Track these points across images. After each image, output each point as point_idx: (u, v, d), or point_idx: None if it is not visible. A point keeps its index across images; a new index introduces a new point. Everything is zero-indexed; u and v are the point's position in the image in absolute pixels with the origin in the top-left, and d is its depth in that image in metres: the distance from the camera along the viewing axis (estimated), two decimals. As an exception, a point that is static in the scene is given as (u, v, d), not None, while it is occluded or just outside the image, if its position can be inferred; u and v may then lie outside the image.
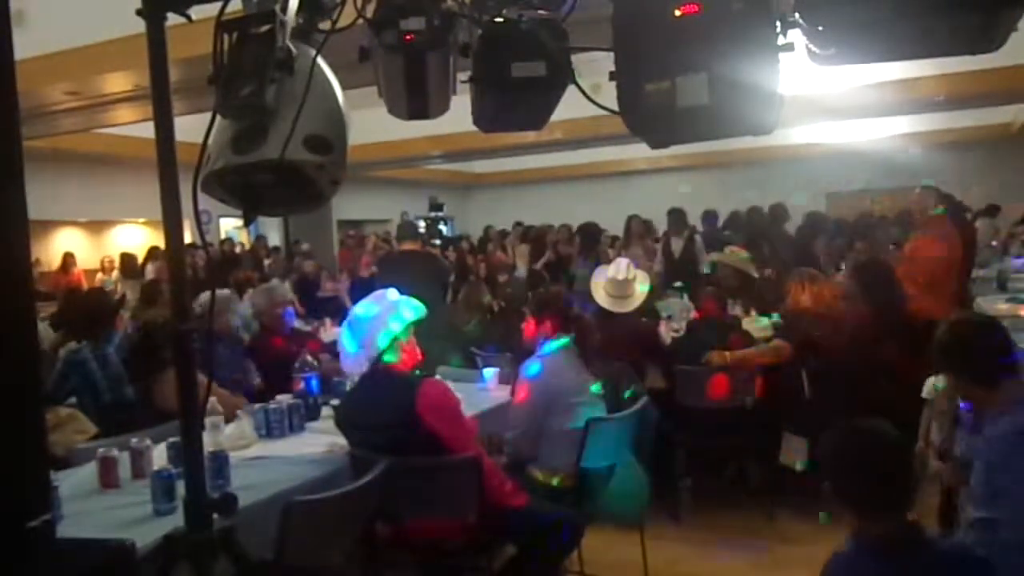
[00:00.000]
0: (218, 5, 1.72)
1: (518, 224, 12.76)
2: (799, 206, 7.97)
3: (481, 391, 4.01)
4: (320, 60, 1.80)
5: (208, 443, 2.41)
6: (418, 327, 3.02)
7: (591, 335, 3.79)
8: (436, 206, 12.55)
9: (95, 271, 11.07)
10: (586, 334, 3.69)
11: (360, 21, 1.90)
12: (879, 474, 1.81)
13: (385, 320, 2.91)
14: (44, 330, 4.98)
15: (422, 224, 12.49)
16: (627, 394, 3.83)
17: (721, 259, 5.87)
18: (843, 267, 6.40)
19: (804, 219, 8.13)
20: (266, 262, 10.60)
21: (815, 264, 6.12)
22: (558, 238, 10.05)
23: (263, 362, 4.46)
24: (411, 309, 3.00)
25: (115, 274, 10.14)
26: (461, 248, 11.53)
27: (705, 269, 7.11)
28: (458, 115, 2.12)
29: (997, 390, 2.17)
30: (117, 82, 6.45)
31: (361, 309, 3.00)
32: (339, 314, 6.45)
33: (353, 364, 2.97)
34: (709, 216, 8.85)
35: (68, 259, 10.54)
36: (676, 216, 8.16)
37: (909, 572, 1.77)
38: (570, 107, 2.04)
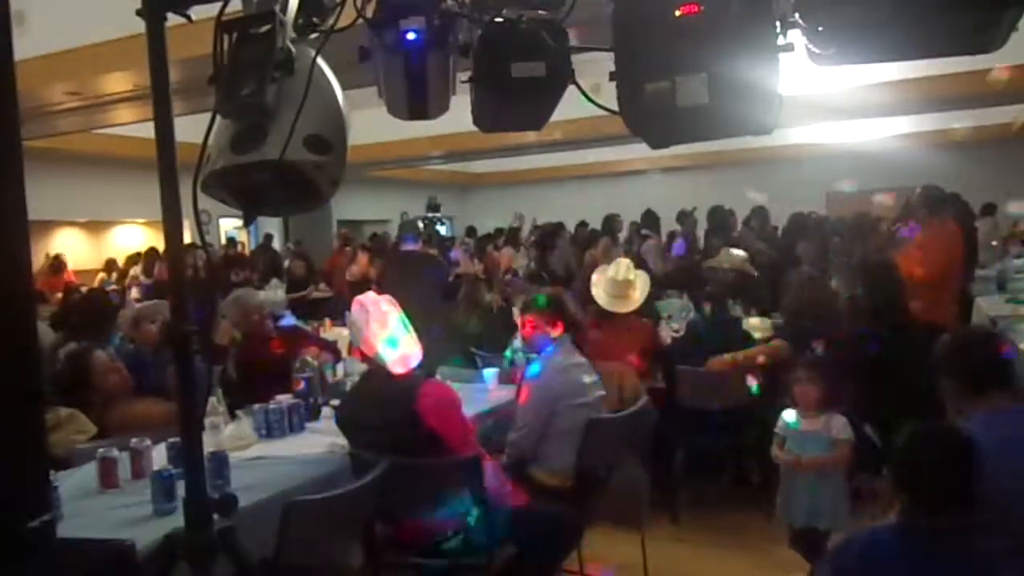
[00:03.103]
0: (218, 5, 1.72)
1: (499, 230, 12.80)
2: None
3: (481, 391, 4.01)
4: (320, 60, 1.80)
5: (208, 443, 2.41)
6: (419, 327, 3.01)
7: (583, 336, 3.78)
8: (433, 207, 12.56)
9: (94, 271, 11.08)
10: (578, 334, 3.68)
11: (360, 21, 1.90)
12: (953, 475, 1.89)
13: (385, 321, 2.91)
14: (44, 331, 4.98)
15: (420, 224, 12.46)
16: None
17: (719, 262, 5.86)
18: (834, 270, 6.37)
19: (788, 221, 8.18)
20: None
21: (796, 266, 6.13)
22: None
23: (251, 370, 4.26)
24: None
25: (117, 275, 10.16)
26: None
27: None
28: (458, 115, 2.11)
29: (982, 398, 2.25)
30: (117, 82, 6.45)
31: (360, 309, 2.99)
32: (337, 314, 6.45)
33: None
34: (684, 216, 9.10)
35: (58, 261, 10.41)
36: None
37: (950, 566, 1.85)
38: (570, 107, 2.04)
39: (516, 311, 5.28)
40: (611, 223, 9.44)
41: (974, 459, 1.90)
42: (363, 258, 9.60)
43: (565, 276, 8.33)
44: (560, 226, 10.77)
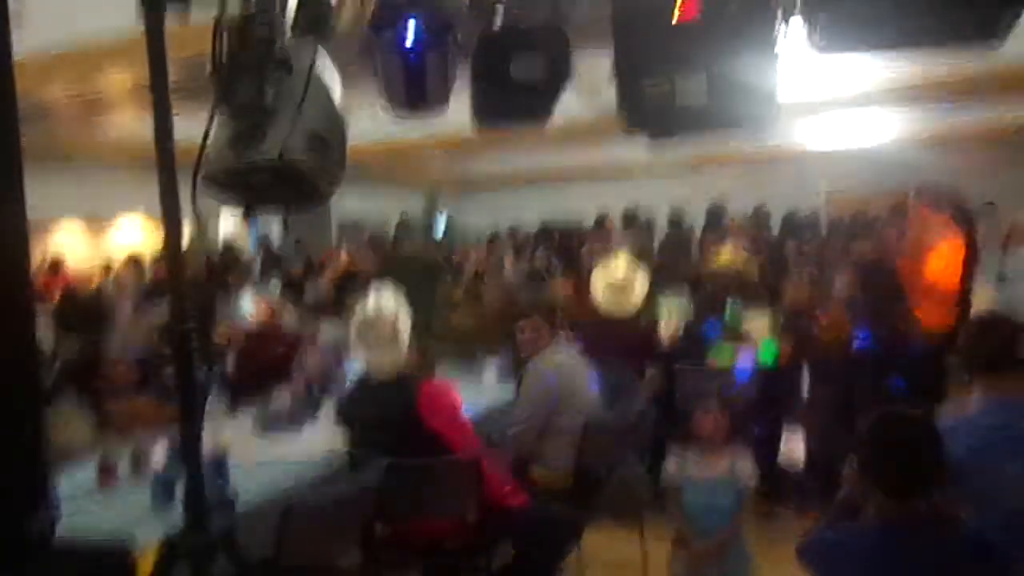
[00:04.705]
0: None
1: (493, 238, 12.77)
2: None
3: (481, 391, 4.01)
4: (320, 60, 1.80)
5: (208, 443, 2.41)
6: (418, 326, 3.02)
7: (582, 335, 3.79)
8: (432, 206, 12.60)
9: (94, 271, 11.04)
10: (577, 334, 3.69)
11: (360, 21, 1.90)
12: (912, 457, 1.87)
13: (385, 320, 2.91)
14: (43, 331, 4.97)
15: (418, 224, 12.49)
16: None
17: (721, 261, 5.86)
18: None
19: (782, 221, 8.21)
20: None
21: (785, 267, 6.13)
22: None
23: (252, 368, 4.31)
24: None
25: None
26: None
27: None
28: (458, 115, 2.12)
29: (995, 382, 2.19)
30: (117, 81, 6.44)
31: (362, 309, 3.00)
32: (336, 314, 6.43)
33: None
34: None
35: (55, 261, 10.32)
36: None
37: (926, 552, 1.83)
38: (570, 107, 2.05)
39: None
40: (602, 223, 9.44)
41: (938, 442, 1.88)
42: (344, 256, 9.53)
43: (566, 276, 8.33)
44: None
